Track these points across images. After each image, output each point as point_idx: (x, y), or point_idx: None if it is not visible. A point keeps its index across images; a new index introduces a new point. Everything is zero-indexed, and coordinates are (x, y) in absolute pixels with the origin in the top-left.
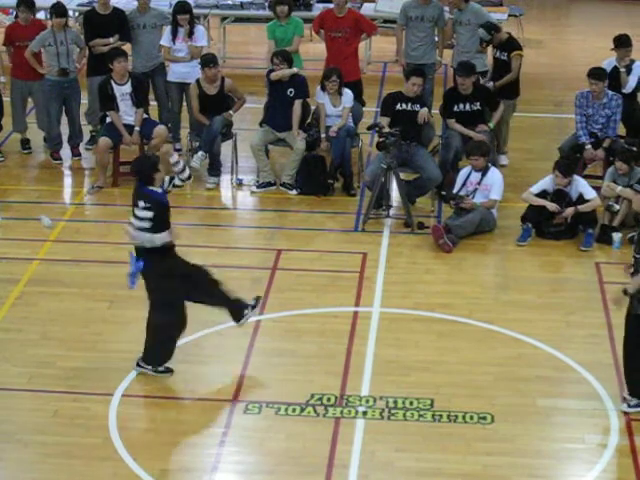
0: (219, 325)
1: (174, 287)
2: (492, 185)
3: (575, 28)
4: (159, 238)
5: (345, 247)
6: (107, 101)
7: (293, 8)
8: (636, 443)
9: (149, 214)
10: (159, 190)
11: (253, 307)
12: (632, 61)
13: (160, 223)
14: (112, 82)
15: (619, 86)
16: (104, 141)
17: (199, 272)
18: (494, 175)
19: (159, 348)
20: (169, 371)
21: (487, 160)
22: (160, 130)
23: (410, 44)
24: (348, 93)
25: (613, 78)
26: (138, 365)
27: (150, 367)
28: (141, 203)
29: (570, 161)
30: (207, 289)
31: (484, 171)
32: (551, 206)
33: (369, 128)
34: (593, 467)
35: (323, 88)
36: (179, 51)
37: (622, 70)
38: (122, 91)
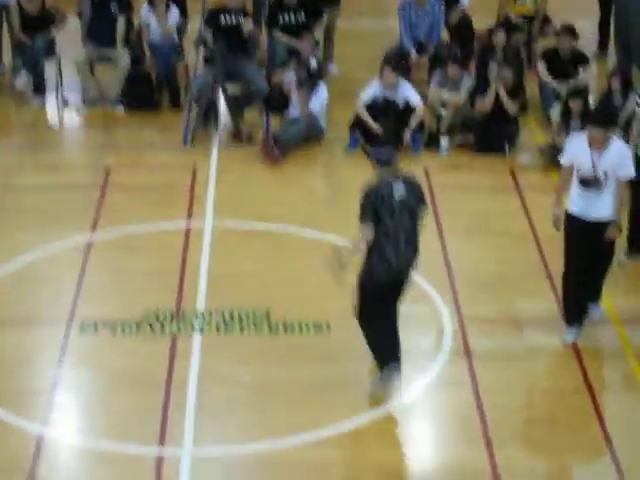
0: (49, 247)
1: None
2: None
3: None
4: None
5: (175, 162)
6: None
7: None
8: (470, 345)
9: None
10: None
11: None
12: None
13: None
14: None
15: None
16: None
17: None
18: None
19: None
20: None
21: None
22: None
23: None
24: (175, 11)
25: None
26: None
27: None
28: None
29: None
30: None
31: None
32: (377, 129)
33: (195, 43)
34: (428, 371)
35: (151, 4)
36: None
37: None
38: None
